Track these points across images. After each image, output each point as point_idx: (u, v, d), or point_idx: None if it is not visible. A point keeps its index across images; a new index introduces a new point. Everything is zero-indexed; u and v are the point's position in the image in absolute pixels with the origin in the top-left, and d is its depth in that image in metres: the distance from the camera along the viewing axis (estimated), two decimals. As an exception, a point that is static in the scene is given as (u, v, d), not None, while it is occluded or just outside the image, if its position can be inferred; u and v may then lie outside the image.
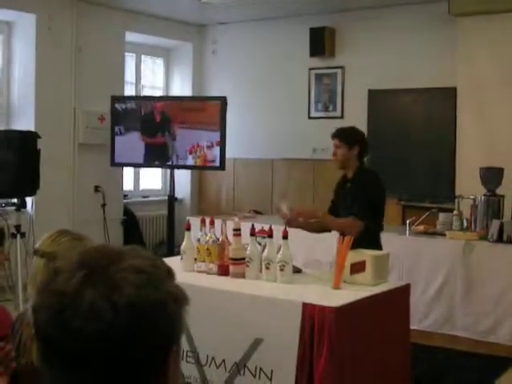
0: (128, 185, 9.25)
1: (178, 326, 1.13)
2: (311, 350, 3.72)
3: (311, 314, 3.72)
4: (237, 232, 4.39)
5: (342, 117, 8.64)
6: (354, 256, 4.22)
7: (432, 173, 7.78)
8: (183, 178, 9.37)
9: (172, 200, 8.39)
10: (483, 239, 6.07)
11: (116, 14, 8.50)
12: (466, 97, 7.51)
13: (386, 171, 8.00)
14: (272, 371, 3.83)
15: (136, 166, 8.82)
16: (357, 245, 4.31)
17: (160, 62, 9.87)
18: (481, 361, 5.78)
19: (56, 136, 7.80)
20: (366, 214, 4.65)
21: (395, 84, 8.07)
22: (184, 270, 4.53)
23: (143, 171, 9.51)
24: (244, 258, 4.35)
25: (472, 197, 6.35)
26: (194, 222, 4.92)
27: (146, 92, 9.63)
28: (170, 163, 8.18)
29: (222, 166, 8.06)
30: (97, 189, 8.41)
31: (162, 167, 8.91)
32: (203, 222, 4.62)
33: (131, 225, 8.94)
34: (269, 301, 3.94)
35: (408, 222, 6.57)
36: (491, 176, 6.40)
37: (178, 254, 4.81)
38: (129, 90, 9.17)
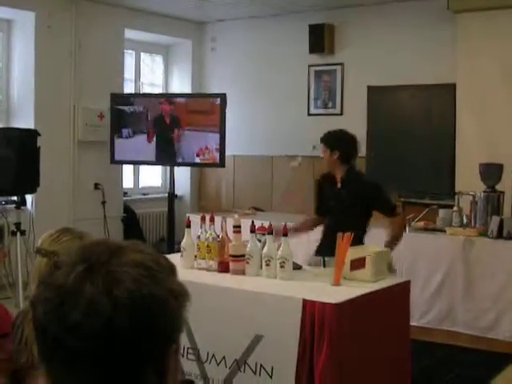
0: (128, 182, 9.25)
1: (178, 323, 1.11)
2: (311, 346, 3.72)
3: (311, 311, 3.73)
4: (237, 229, 4.40)
5: (341, 113, 8.64)
6: (354, 252, 4.22)
7: (432, 169, 7.78)
8: (183, 175, 9.37)
9: (172, 197, 8.39)
10: (483, 235, 6.08)
11: (115, 12, 8.50)
12: (465, 93, 7.51)
13: (385, 168, 8.05)
14: (272, 368, 3.84)
15: (135, 163, 8.81)
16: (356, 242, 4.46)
17: (159, 59, 9.86)
18: (481, 357, 5.78)
19: (56, 133, 7.81)
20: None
21: (395, 81, 8.06)
22: (184, 267, 4.53)
23: (143, 168, 9.51)
24: (244, 255, 4.35)
25: (472, 193, 6.35)
26: (194, 219, 4.92)
27: (146, 89, 9.63)
28: (169, 160, 8.18)
29: (221, 163, 8.06)
30: (97, 186, 8.41)
31: (162, 164, 8.92)
32: (203, 219, 4.62)
33: (131, 222, 8.94)
34: (269, 297, 3.95)
35: (408, 218, 6.57)
36: (491, 172, 6.40)
37: (178, 251, 4.81)
38: (128, 88, 9.17)
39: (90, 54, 8.23)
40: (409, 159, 7.92)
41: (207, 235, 4.52)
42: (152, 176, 9.76)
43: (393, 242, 5.01)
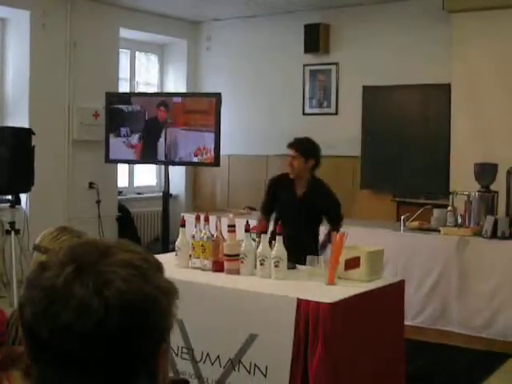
0: (123, 181, 9.24)
1: (168, 321, 1.11)
2: (306, 345, 3.73)
3: (306, 310, 3.73)
4: (231, 228, 4.40)
5: (336, 113, 8.65)
6: (349, 252, 4.23)
7: (426, 169, 7.79)
8: (178, 175, 9.38)
9: (167, 196, 8.39)
10: (477, 235, 6.08)
11: (110, 11, 8.49)
12: (460, 93, 7.52)
13: (380, 167, 8.06)
14: (267, 367, 3.84)
15: (130, 162, 8.80)
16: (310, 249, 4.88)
17: (154, 58, 9.86)
18: (475, 356, 5.79)
19: (50, 133, 7.79)
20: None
21: (390, 80, 8.07)
22: (179, 267, 4.54)
23: (138, 168, 9.51)
24: (239, 255, 4.36)
25: (466, 193, 6.35)
26: (189, 218, 4.93)
27: (141, 88, 9.62)
28: (164, 160, 8.18)
29: (216, 163, 8.06)
30: (91, 185, 8.40)
31: (156, 163, 8.91)
32: (198, 218, 4.63)
33: (126, 221, 8.94)
34: (263, 297, 3.95)
35: (402, 218, 6.58)
36: (485, 172, 6.41)
37: (173, 250, 4.82)
38: (123, 87, 9.16)
39: (85, 53, 8.21)
40: (403, 159, 7.93)
41: (202, 234, 4.52)
42: (147, 175, 9.75)
43: (323, 247, 5.26)
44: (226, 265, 4.39)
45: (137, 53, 9.58)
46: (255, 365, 3.88)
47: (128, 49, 9.34)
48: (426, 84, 7.82)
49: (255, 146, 9.13)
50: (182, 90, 9.55)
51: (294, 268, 4.58)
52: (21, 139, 6.46)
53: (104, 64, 8.47)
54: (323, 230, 5.40)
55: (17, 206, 6.76)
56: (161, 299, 1.09)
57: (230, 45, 9.42)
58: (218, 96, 8.03)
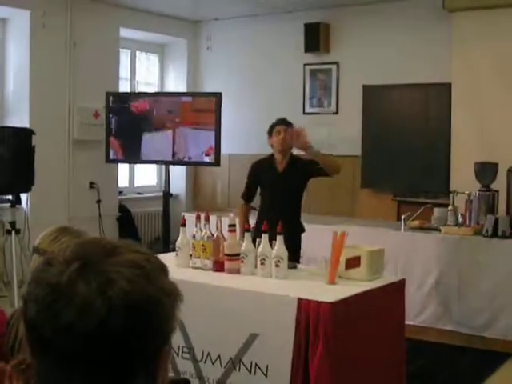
0: (123, 181, 9.24)
1: (171, 323, 1.10)
2: (306, 345, 3.72)
3: (306, 310, 3.73)
4: (232, 228, 4.40)
5: (336, 112, 8.65)
6: (349, 251, 4.23)
7: (427, 168, 7.79)
8: (178, 174, 9.37)
9: (167, 196, 8.38)
10: (478, 234, 6.08)
11: (110, 10, 8.48)
12: (460, 92, 7.52)
13: (380, 167, 8.06)
14: (267, 366, 3.84)
15: (131, 162, 8.80)
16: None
17: (155, 58, 9.85)
18: (476, 356, 5.79)
19: (51, 132, 7.79)
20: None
21: (390, 80, 8.07)
22: (179, 266, 4.54)
23: (138, 167, 9.50)
24: (239, 254, 4.36)
25: (467, 192, 6.35)
26: (189, 217, 4.93)
27: (141, 88, 9.62)
28: (164, 159, 8.17)
29: (217, 162, 8.06)
30: (92, 185, 8.40)
31: (156, 163, 8.91)
32: (198, 217, 4.62)
33: (126, 221, 8.94)
34: (264, 296, 3.95)
35: (403, 217, 6.57)
36: (486, 171, 6.41)
37: (174, 250, 4.81)
38: (123, 86, 9.16)
39: (86, 53, 8.21)
40: (404, 158, 7.92)
41: (202, 234, 4.52)
42: (147, 175, 9.75)
43: (320, 156, 5.41)
44: (227, 264, 4.39)
45: (137, 52, 9.57)
46: (256, 364, 3.88)
47: (128, 48, 9.34)
48: (426, 83, 7.82)
49: (255, 146, 9.10)
50: (183, 89, 9.55)
51: (295, 267, 4.59)
52: (21, 139, 6.46)
53: (104, 64, 8.46)
54: None
55: (17, 206, 6.75)
56: (164, 301, 1.08)
57: (230, 44, 9.42)
58: (218, 96, 8.03)
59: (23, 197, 7.03)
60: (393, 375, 4.27)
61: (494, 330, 5.93)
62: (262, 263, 4.27)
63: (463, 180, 6.82)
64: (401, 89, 8.06)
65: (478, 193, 6.29)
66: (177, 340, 4.06)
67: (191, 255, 4.57)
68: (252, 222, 5.43)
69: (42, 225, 2.76)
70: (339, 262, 4.12)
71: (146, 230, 9.29)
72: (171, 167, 8.35)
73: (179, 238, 4.63)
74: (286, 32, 8.87)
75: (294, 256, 4.95)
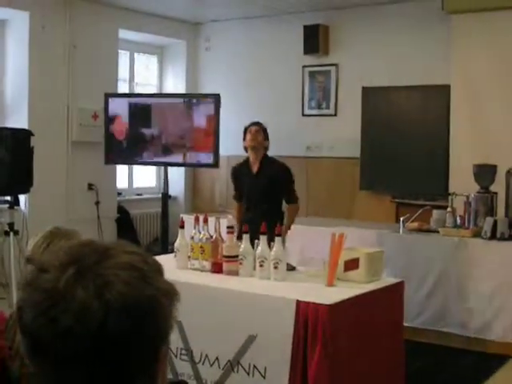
0: (122, 182, 9.23)
1: (169, 324, 1.10)
2: (305, 346, 3.72)
3: (305, 312, 3.73)
4: (230, 229, 4.40)
5: (335, 114, 8.65)
6: (348, 253, 4.23)
7: (425, 170, 7.78)
8: (177, 176, 9.37)
9: (166, 197, 8.38)
10: (476, 236, 6.08)
11: (109, 12, 8.48)
12: (459, 94, 7.51)
13: (379, 168, 8.05)
14: (266, 368, 3.84)
15: (129, 163, 8.79)
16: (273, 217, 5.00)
17: (153, 59, 9.85)
18: (474, 358, 5.79)
19: (49, 134, 7.79)
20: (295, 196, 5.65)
21: (389, 81, 8.07)
22: (178, 268, 4.54)
23: (137, 169, 9.50)
24: (238, 256, 4.35)
25: (465, 194, 6.35)
26: (188, 219, 4.92)
27: (140, 89, 9.62)
28: (163, 160, 8.17)
29: (215, 164, 8.06)
30: (90, 187, 8.39)
31: (155, 165, 8.90)
32: (197, 219, 4.62)
33: (125, 222, 8.93)
34: (262, 298, 3.95)
35: (402, 219, 6.58)
36: (484, 173, 6.41)
37: (172, 251, 4.81)
38: (122, 88, 9.16)
39: (84, 54, 8.21)
40: (403, 160, 7.92)
41: (201, 236, 4.52)
42: (146, 176, 9.75)
43: (285, 232, 5.36)
44: (225, 266, 4.38)
45: (136, 54, 9.57)
46: (254, 366, 3.88)
47: (127, 50, 9.34)
48: (425, 85, 7.82)
49: (254, 147, 9.11)
50: (181, 90, 9.55)
51: (294, 269, 4.58)
52: (20, 140, 6.45)
53: (103, 65, 8.46)
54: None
55: (16, 207, 6.74)
56: (162, 301, 1.08)
57: (229, 46, 9.42)
58: (216, 97, 8.03)
59: (22, 198, 7.02)
60: (391, 377, 4.27)
61: (492, 333, 5.92)
62: (260, 265, 4.26)
63: (462, 182, 6.82)
64: (400, 91, 8.06)
65: (476, 195, 6.29)
66: (175, 342, 4.06)
67: (190, 257, 4.57)
68: None
69: (40, 226, 2.74)
70: (338, 264, 4.12)
71: (144, 231, 9.29)
72: (170, 169, 8.35)
73: (178, 240, 4.63)
74: (285, 34, 8.87)
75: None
